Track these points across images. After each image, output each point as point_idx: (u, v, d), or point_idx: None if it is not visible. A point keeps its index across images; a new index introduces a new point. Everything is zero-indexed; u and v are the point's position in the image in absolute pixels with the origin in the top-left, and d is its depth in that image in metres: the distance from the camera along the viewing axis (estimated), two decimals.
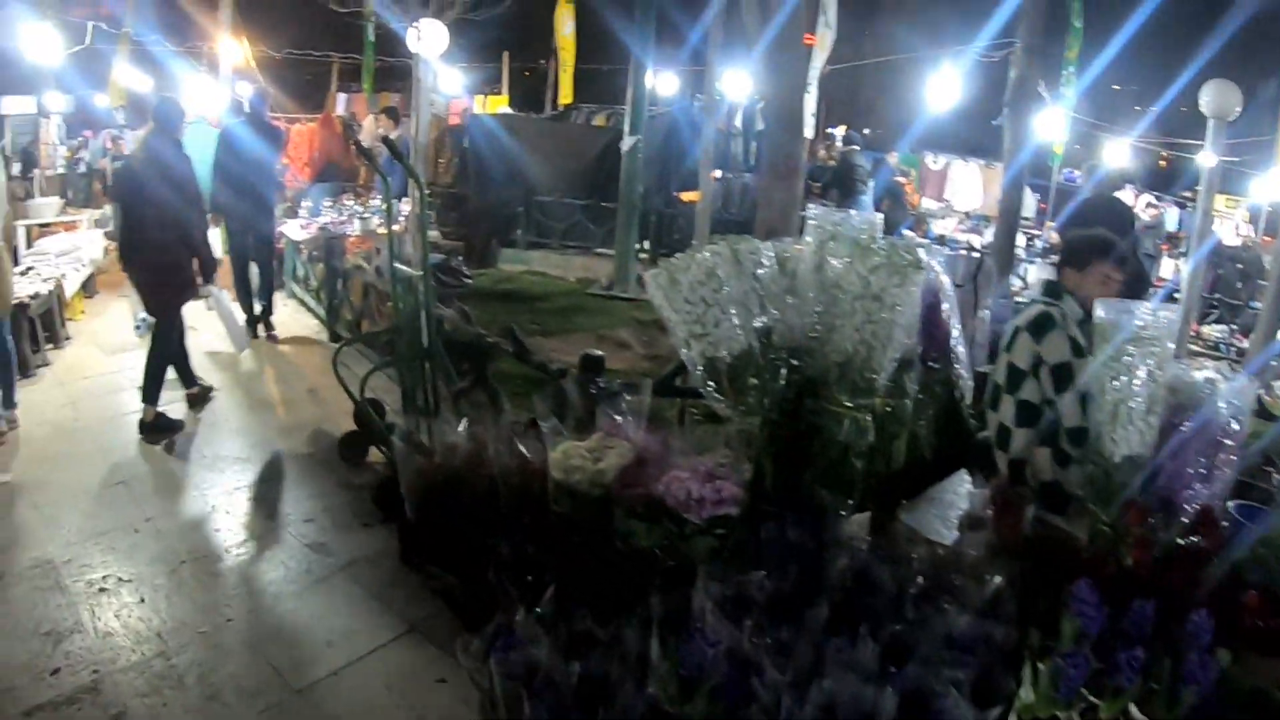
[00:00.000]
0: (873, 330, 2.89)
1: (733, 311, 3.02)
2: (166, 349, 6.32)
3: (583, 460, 3.13)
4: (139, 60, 18.76)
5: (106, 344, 8.43)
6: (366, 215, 9.32)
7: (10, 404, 6.20)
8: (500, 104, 18.16)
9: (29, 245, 10.86)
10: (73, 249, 9.65)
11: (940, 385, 3.43)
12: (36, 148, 15.60)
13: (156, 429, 6.14)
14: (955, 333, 3.43)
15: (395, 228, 9.04)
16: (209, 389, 6.89)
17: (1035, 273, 11.59)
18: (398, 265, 5.10)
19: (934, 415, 3.39)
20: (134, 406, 6.52)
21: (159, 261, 6.20)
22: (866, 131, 21.09)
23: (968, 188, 18.48)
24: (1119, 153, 16.15)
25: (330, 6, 14.97)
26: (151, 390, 6.17)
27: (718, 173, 13.56)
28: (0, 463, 5.65)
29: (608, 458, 3.15)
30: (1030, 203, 16.43)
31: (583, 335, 8.58)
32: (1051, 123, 13.45)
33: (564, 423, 3.37)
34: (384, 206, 9.32)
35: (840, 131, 17.99)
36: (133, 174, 6.26)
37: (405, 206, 9.62)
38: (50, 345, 8.15)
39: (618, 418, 3.31)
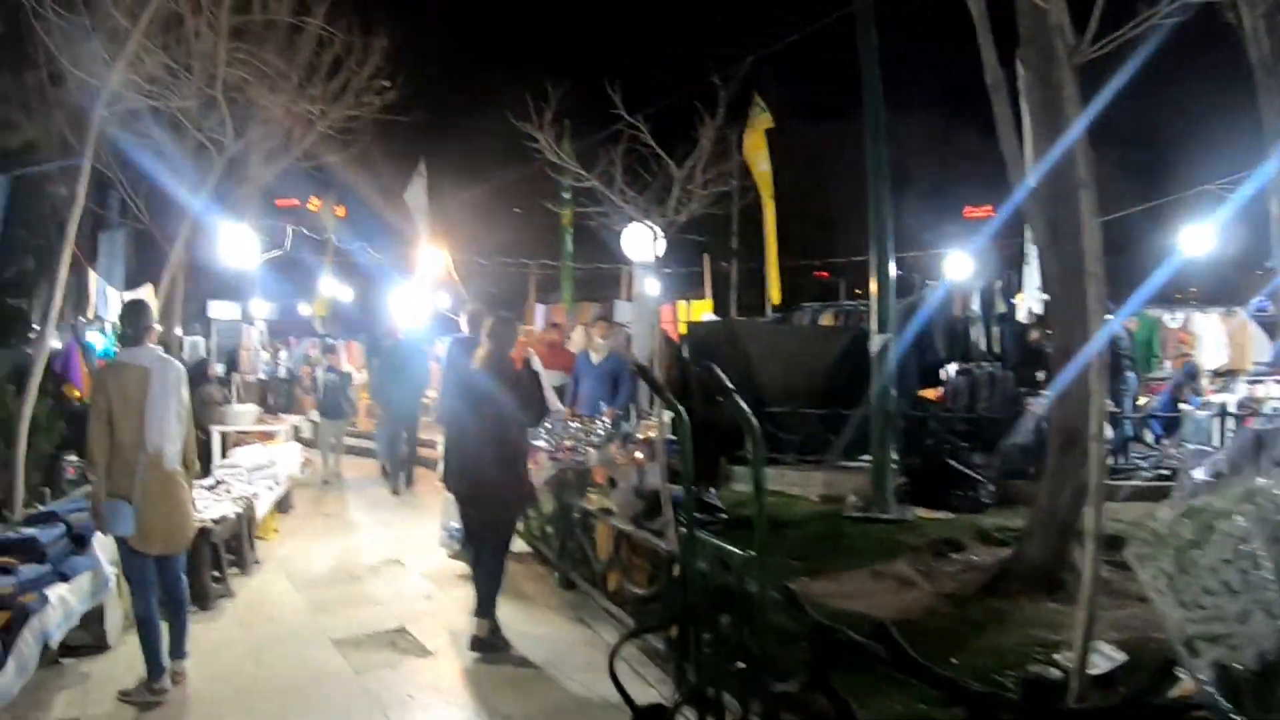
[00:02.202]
0: None
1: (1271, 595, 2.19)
2: (502, 566, 5.79)
3: None
4: (342, 269, 19.09)
5: (299, 574, 7.30)
6: (596, 440, 7.89)
7: (179, 653, 4.97)
8: (704, 308, 17.31)
9: (224, 454, 10.19)
10: (268, 464, 8.78)
11: None
12: (239, 353, 15.61)
13: (492, 646, 5.49)
14: None
15: (637, 456, 7.74)
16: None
17: None
18: (703, 536, 3.63)
19: None
20: (327, 665, 5.25)
21: (499, 479, 5.66)
22: None
23: (1213, 342, 16.18)
24: None
25: (550, 206, 14.59)
26: (487, 607, 5.57)
27: (952, 366, 12.10)
28: None
29: None
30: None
31: (855, 573, 6.92)
32: None
33: None
34: (614, 430, 8.23)
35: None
36: (466, 391, 5.79)
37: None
38: (236, 570, 7.11)
39: None
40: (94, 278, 8.65)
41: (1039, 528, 6.49)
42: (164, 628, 4.90)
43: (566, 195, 14.47)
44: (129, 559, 4.79)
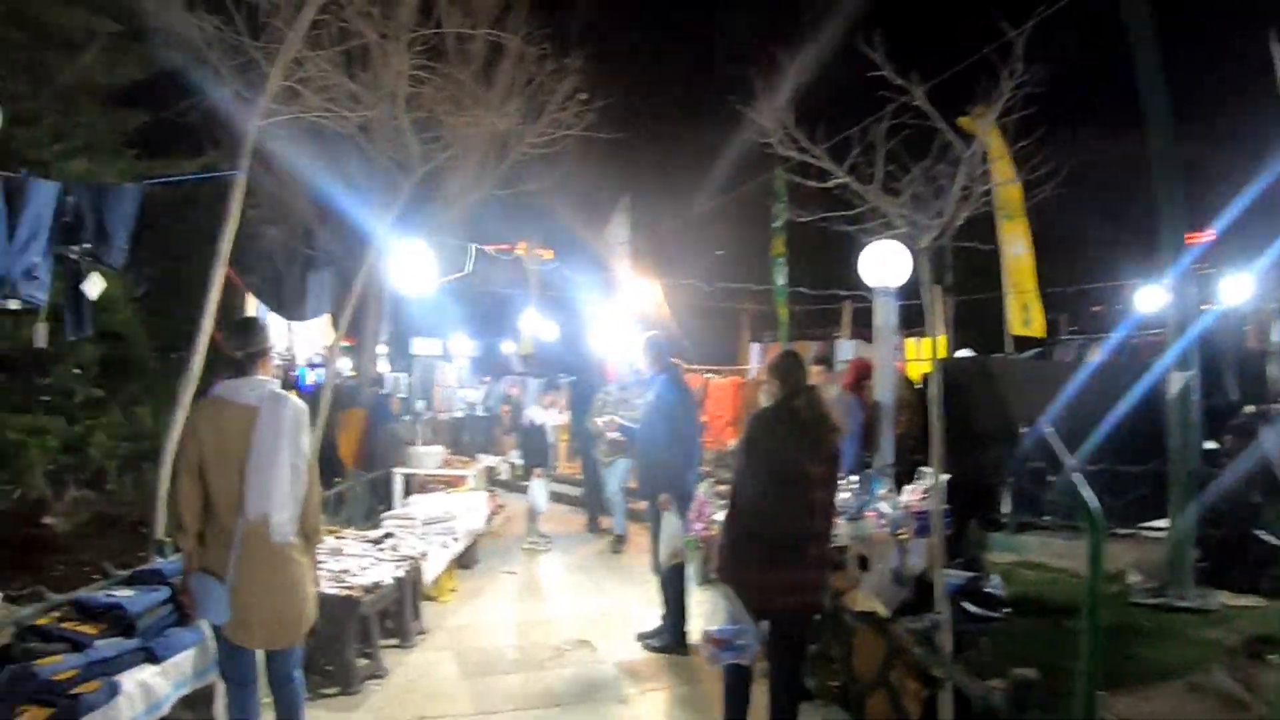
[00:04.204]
0: None
1: None
2: (796, 686, 4.48)
3: None
4: (549, 306, 18.51)
5: (470, 653, 6.16)
6: (856, 513, 6.15)
7: None
8: (939, 345, 15.57)
9: (404, 498, 9.43)
10: (446, 517, 7.79)
11: None
12: (433, 390, 15.25)
13: None
14: None
15: (901, 534, 6.02)
16: None
17: None
18: None
19: None
20: None
21: (787, 556, 4.23)
22: None
23: None
24: None
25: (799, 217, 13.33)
26: None
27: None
28: None
29: None
30: None
31: (1165, 685, 5.16)
32: None
33: None
34: (869, 496, 6.72)
35: None
36: (764, 438, 4.39)
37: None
38: (396, 642, 6.14)
39: None
40: (252, 302, 8.05)
41: None
42: None
43: (778, 223, 13.20)
44: (223, 650, 3.82)
